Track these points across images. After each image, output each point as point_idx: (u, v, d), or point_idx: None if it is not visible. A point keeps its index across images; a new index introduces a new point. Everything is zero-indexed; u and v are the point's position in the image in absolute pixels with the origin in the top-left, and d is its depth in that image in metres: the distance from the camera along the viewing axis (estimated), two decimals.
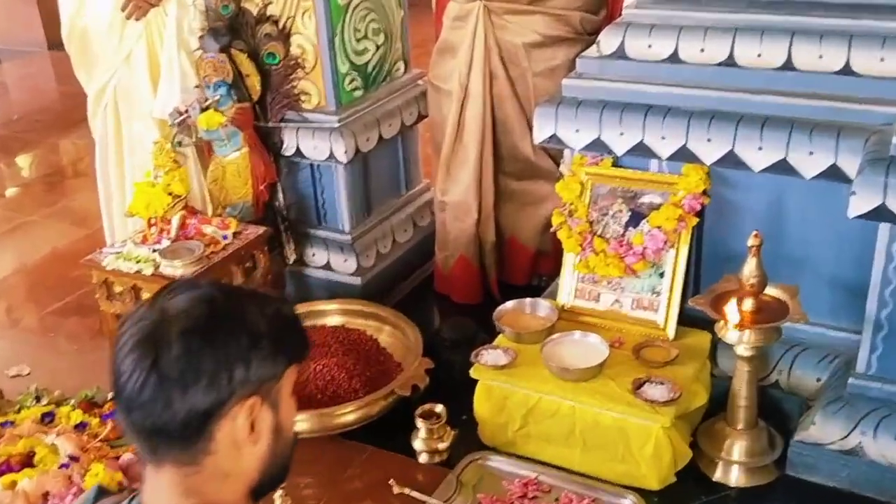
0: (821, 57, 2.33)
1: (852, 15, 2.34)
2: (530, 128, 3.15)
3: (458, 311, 3.35)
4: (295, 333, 1.18)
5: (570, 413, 2.43)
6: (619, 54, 2.62)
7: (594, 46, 2.71)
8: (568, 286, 2.72)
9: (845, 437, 2.29)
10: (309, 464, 2.52)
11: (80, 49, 3.32)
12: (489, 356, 2.56)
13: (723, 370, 2.58)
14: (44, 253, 4.08)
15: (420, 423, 2.51)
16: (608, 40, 2.65)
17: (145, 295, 2.94)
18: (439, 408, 2.56)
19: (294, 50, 3.26)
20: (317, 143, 3.27)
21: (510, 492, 2.37)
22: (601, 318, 2.66)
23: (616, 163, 2.68)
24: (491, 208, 3.32)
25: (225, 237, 3.05)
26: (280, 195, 3.38)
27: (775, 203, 2.49)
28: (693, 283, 2.67)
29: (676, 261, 2.57)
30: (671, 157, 2.51)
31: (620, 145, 2.57)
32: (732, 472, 2.42)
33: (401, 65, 3.61)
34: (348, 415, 2.63)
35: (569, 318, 2.69)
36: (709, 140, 2.43)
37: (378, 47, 3.45)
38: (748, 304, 2.31)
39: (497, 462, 2.48)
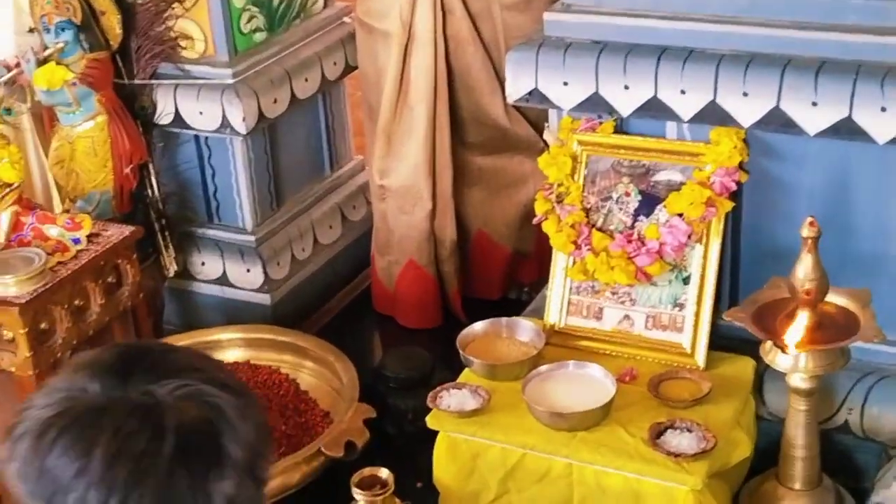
0: None
1: None
2: (501, 82, 3.18)
3: (407, 339, 3.36)
4: (260, 444, 1.13)
5: (566, 474, 2.43)
6: None
7: None
8: (558, 299, 2.74)
9: None
10: None
11: None
12: (452, 399, 2.56)
13: (772, 409, 2.61)
14: None
15: (358, 494, 2.50)
16: None
17: None
18: (384, 473, 2.55)
19: None
20: (204, 107, 3.26)
21: None
22: (605, 341, 2.68)
23: (620, 127, 2.70)
24: (450, 194, 3.33)
25: (76, 241, 3.01)
26: (153, 182, 3.35)
27: (838, 179, 2.53)
28: (729, 290, 2.69)
29: (705, 261, 2.59)
30: (695, 119, 2.53)
31: (626, 103, 2.59)
32: None
33: None
34: None
35: (560, 344, 2.70)
36: (745, 94, 2.45)
37: None
38: (804, 317, 2.33)
39: None
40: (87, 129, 3.22)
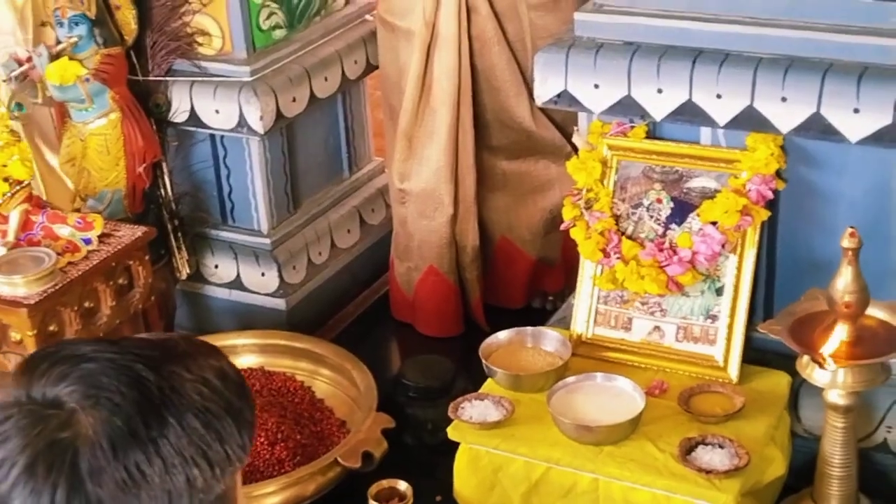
0: None
1: None
2: (527, 84, 3.16)
3: (427, 347, 3.35)
4: (246, 405, 1.14)
5: (592, 489, 2.42)
6: None
7: None
8: (585, 309, 2.72)
9: None
10: None
11: None
12: (474, 410, 2.55)
13: (808, 426, 2.59)
14: None
15: None
16: None
17: None
18: (403, 485, 2.54)
19: None
20: (220, 106, 3.25)
21: None
22: (634, 353, 2.66)
23: (652, 132, 2.68)
24: (472, 199, 3.32)
25: (87, 241, 3.00)
26: (166, 181, 3.35)
27: (880, 188, 2.51)
28: (764, 302, 2.68)
29: (740, 271, 2.58)
30: (731, 124, 2.52)
31: (659, 106, 2.57)
32: None
33: None
34: (271, 497, 2.61)
35: (587, 355, 2.68)
36: (784, 98, 2.44)
37: None
38: (843, 330, 2.31)
39: None
40: (100, 126, 3.21)
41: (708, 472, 2.30)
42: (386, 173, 3.62)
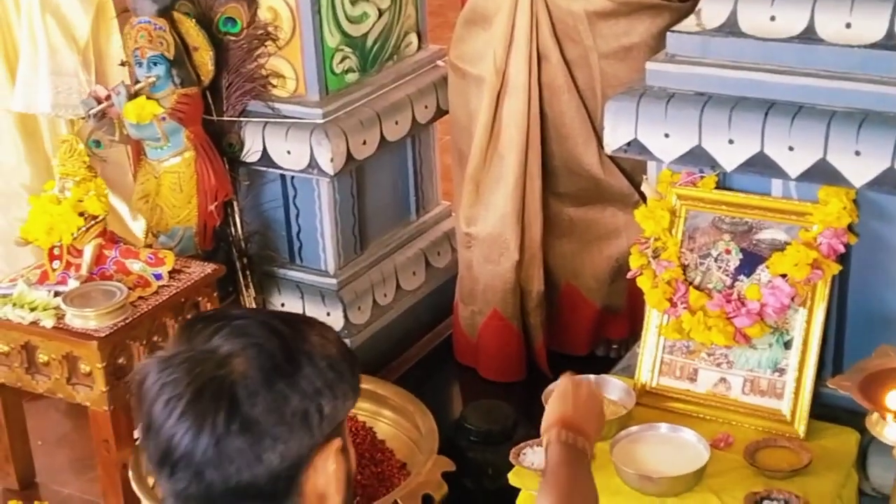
0: None
1: None
2: (596, 131, 3.16)
3: (489, 392, 3.34)
4: (358, 369, 1.37)
5: None
6: (729, 28, 2.62)
7: (691, 17, 2.72)
8: (650, 358, 2.70)
9: None
10: None
11: None
12: (536, 456, 2.52)
13: (877, 485, 2.54)
14: None
15: None
16: (713, 8, 2.65)
17: (42, 357, 2.94)
18: None
19: (263, 14, 3.30)
20: (292, 147, 3.29)
21: None
22: (699, 404, 2.63)
23: (722, 183, 2.67)
24: (538, 245, 3.31)
25: (158, 276, 3.05)
26: (237, 220, 3.39)
27: None
28: (833, 357, 2.64)
29: (809, 325, 2.54)
30: (803, 177, 2.50)
31: (729, 157, 2.56)
32: None
33: (413, 38, 3.63)
34: None
35: (651, 405, 2.65)
36: (857, 152, 2.41)
37: (381, 13, 3.49)
38: None
39: None
40: (174, 164, 3.27)
41: None
42: (453, 217, 3.63)
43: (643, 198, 2.81)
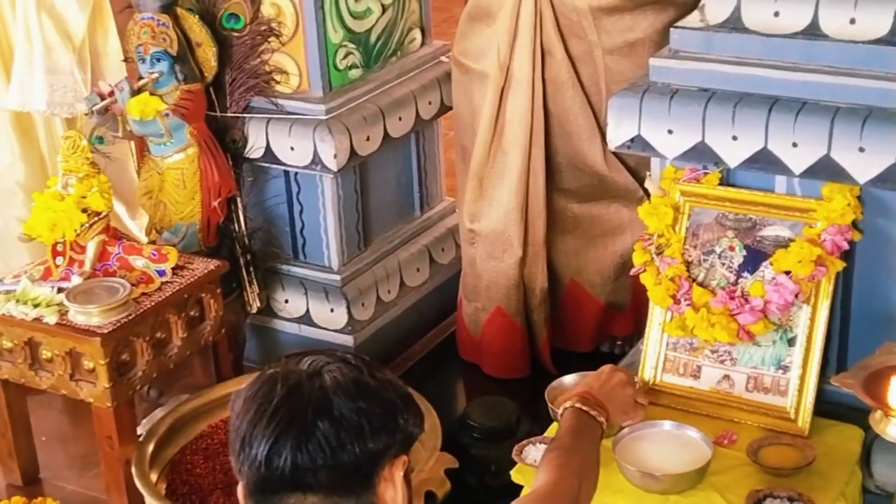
0: None
1: None
2: (600, 127, 3.16)
3: (492, 388, 3.33)
4: (420, 408, 1.57)
5: None
6: (733, 24, 2.61)
7: (695, 13, 2.71)
8: (654, 355, 2.69)
9: None
10: None
11: None
12: (538, 453, 2.51)
13: (880, 482, 2.52)
14: None
15: None
16: (716, 4, 2.64)
17: (45, 353, 2.94)
18: None
19: (266, 10, 3.30)
20: (295, 143, 3.28)
21: None
22: (703, 401, 2.62)
23: (726, 179, 2.66)
24: (542, 241, 3.31)
25: (161, 273, 3.05)
26: (240, 216, 3.39)
27: None
28: (837, 354, 2.63)
29: (813, 322, 2.53)
30: (806, 173, 2.48)
31: (733, 153, 2.55)
32: None
33: (416, 34, 3.63)
34: None
35: (655, 402, 2.64)
36: (861, 149, 2.40)
37: (385, 8, 3.48)
38: None
39: None
40: (178, 160, 3.26)
41: None
42: (457, 213, 3.63)
43: (647, 194, 2.80)
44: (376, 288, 3.51)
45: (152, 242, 3.28)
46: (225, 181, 3.29)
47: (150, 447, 2.86)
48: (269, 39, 3.30)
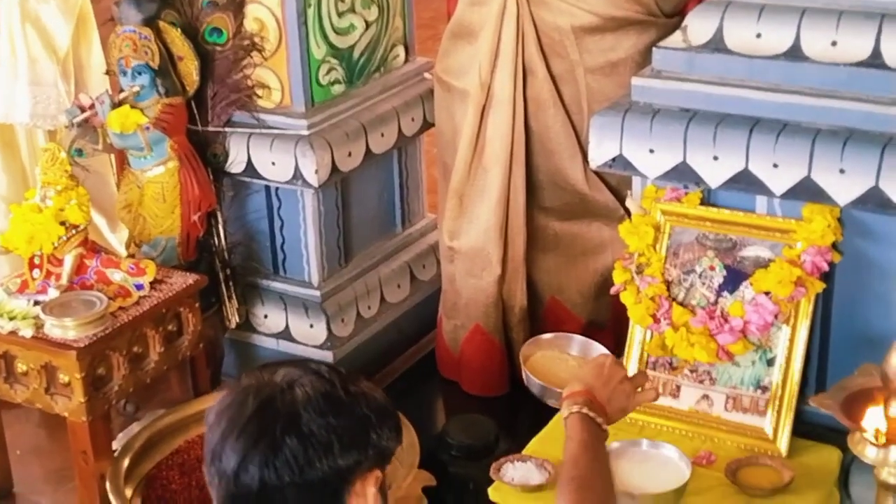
0: None
1: None
2: (581, 146, 3.16)
3: (471, 406, 3.33)
4: (399, 420, 1.56)
5: None
6: (715, 45, 2.62)
7: (677, 33, 2.72)
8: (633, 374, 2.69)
9: None
10: None
11: None
12: (516, 471, 2.51)
13: (858, 503, 2.53)
14: None
15: None
16: (699, 25, 2.65)
17: (21, 366, 2.92)
18: None
19: (249, 25, 3.29)
20: (276, 158, 3.28)
21: None
22: (682, 421, 2.62)
23: (707, 199, 2.66)
24: (521, 259, 3.30)
25: (139, 287, 3.03)
26: (220, 230, 3.37)
27: None
28: (816, 375, 2.63)
29: (792, 343, 2.54)
30: (787, 194, 2.49)
31: (714, 174, 2.56)
32: None
33: (400, 50, 3.63)
34: None
35: (634, 421, 2.64)
36: (842, 171, 2.41)
37: (368, 25, 3.48)
38: None
39: None
40: (158, 174, 3.25)
41: None
42: (438, 230, 3.62)
43: (628, 213, 2.80)
44: (356, 304, 3.50)
45: (131, 256, 3.26)
46: (205, 195, 3.28)
47: (126, 462, 2.83)
48: (252, 54, 3.29)
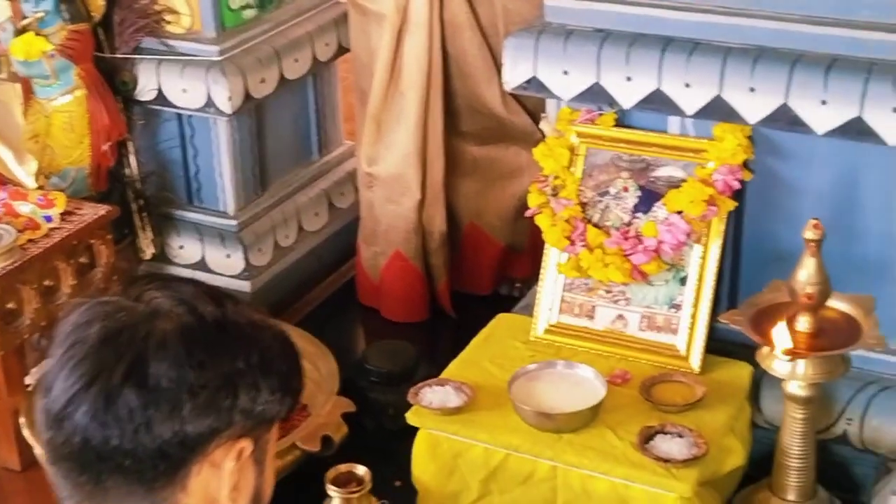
0: None
1: None
2: (498, 70, 3.15)
3: (392, 332, 3.34)
4: (300, 374, 1.27)
5: (551, 477, 2.42)
6: None
7: None
8: (550, 296, 2.72)
9: None
10: None
11: None
12: (434, 395, 2.54)
13: (768, 417, 2.60)
14: None
15: (333, 491, 2.49)
16: None
17: None
18: (361, 470, 2.53)
19: None
20: (187, 85, 3.23)
21: None
22: (598, 341, 2.67)
23: (621, 120, 2.69)
24: (440, 184, 3.31)
25: (48, 219, 2.99)
26: (132, 160, 3.33)
27: (845, 181, 2.52)
28: (728, 292, 2.69)
29: (704, 261, 2.58)
30: (699, 114, 2.52)
31: (627, 94, 2.58)
32: None
33: None
34: None
35: (551, 342, 2.69)
36: (752, 89, 2.44)
37: None
38: (804, 322, 2.33)
39: None
40: (65, 103, 3.20)
41: (666, 461, 2.31)
42: (356, 157, 3.61)
43: (544, 136, 2.82)
44: (274, 233, 3.48)
45: (40, 188, 3.22)
46: (115, 124, 3.23)
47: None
48: None
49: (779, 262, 2.51)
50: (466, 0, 3.19)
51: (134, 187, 3.34)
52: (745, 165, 2.55)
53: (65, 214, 3.01)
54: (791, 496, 2.45)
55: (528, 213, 2.73)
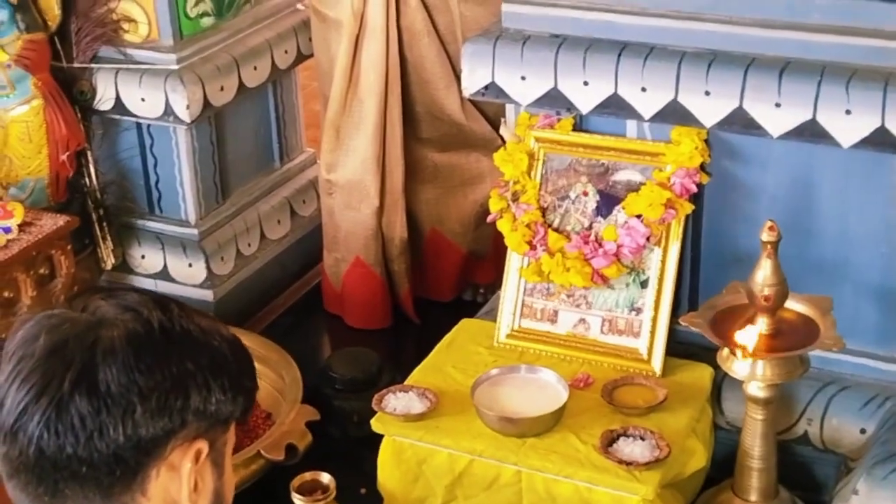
0: None
1: None
2: (457, 76, 3.17)
3: (356, 339, 3.35)
4: (252, 375, 1.28)
5: (515, 481, 2.43)
6: None
7: None
8: (512, 301, 2.74)
9: None
10: None
11: None
12: (398, 402, 2.55)
13: (730, 418, 2.63)
14: None
15: (299, 500, 2.49)
16: None
17: None
18: (326, 478, 2.54)
19: None
20: (146, 94, 3.23)
21: None
22: (560, 345, 2.69)
23: (579, 125, 2.71)
24: (400, 191, 3.33)
25: (6, 230, 2.97)
26: (91, 170, 3.32)
27: (801, 183, 2.55)
28: (688, 295, 2.71)
29: (664, 264, 2.61)
30: (656, 117, 2.55)
31: (585, 99, 2.60)
32: None
33: None
34: None
35: (514, 347, 2.70)
36: (707, 93, 2.47)
37: None
38: (762, 323, 2.35)
39: None
40: (22, 113, 3.18)
41: (628, 463, 2.33)
42: (318, 165, 3.62)
43: (503, 141, 2.84)
44: (236, 241, 3.48)
45: None
46: (73, 134, 3.22)
47: None
48: None
49: (738, 264, 2.53)
50: (424, 7, 3.21)
51: (94, 197, 3.33)
52: (703, 168, 2.58)
53: (24, 225, 3.00)
54: (753, 497, 2.48)
55: (489, 219, 2.75)
